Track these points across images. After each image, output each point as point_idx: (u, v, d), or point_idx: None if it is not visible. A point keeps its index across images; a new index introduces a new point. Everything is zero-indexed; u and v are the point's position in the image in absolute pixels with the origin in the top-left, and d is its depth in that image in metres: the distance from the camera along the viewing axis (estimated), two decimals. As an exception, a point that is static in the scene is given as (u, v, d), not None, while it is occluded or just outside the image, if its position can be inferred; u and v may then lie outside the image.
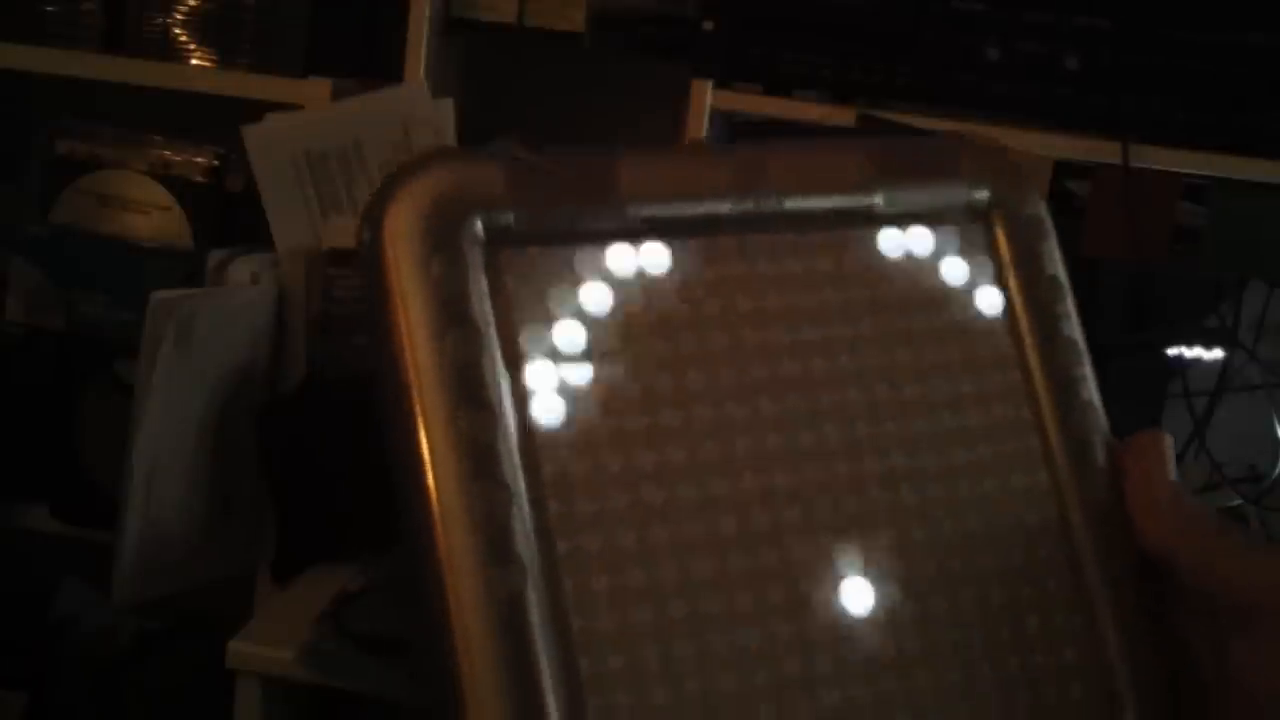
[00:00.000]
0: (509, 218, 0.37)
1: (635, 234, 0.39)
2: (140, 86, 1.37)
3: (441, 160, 0.37)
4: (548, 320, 0.37)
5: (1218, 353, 1.43)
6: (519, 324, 0.36)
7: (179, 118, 1.43)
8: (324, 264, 1.33)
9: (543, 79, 1.56)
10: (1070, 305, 0.44)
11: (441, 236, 0.36)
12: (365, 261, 0.36)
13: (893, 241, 0.43)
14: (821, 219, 0.41)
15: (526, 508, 0.35)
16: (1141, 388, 1.46)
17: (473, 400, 0.35)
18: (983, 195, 0.43)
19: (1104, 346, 0.43)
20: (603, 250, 0.38)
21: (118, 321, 1.36)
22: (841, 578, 0.38)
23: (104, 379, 1.42)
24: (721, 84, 1.28)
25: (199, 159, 1.41)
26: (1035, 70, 1.24)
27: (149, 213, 1.41)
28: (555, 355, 0.37)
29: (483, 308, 0.36)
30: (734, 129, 1.36)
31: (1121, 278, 1.38)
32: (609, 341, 0.38)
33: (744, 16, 1.29)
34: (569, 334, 0.38)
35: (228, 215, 1.42)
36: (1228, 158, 1.23)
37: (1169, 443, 0.42)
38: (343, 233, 1.32)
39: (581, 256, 0.38)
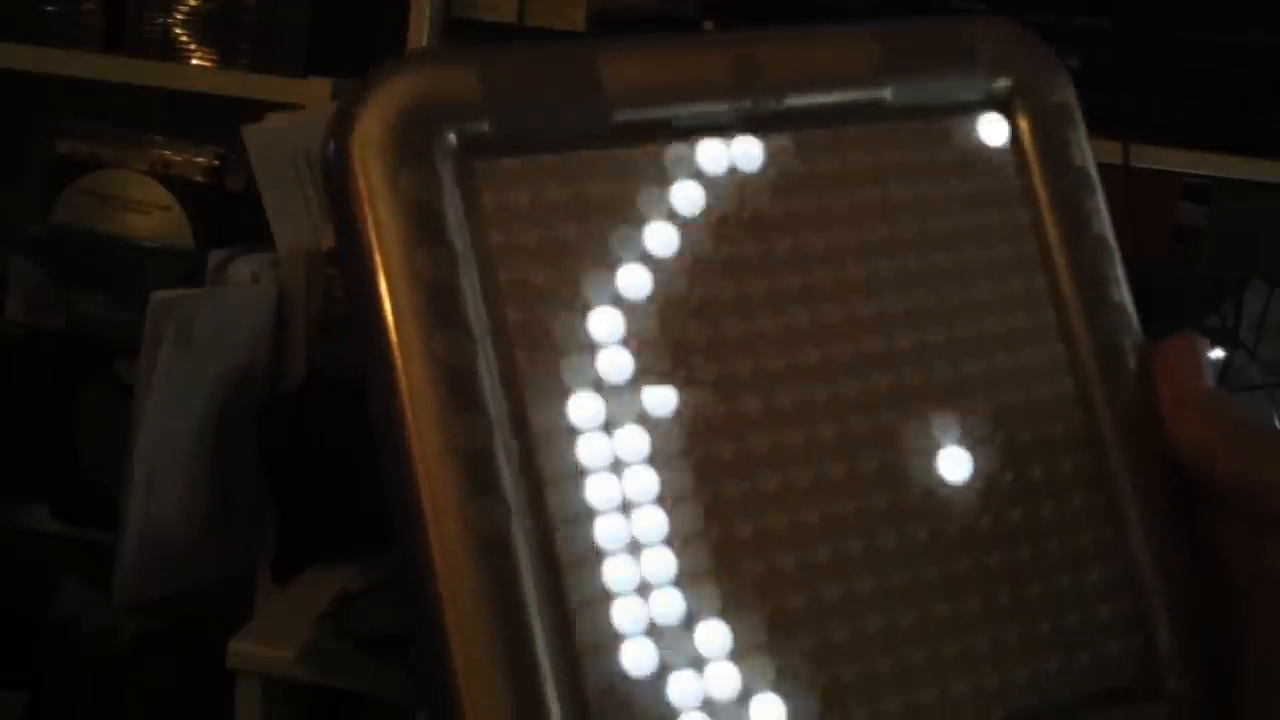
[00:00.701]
0: (483, 126, 0.34)
1: (621, 141, 0.35)
2: (140, 86, 1.37)
3: (411, 65, 0.35)
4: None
5: (1218, 353, 1.43)
6: (494, 240, 0.34)
7: (179, 118, 1.43)
8: (324, 264, 1.33)
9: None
10: (1100, 201, 0.40)
11: (411, 148, 0.33)
12: (330, 177, 0.33)
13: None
14: (825, 116, 0.38)
15: (509, 435, 0.33)
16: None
17: (448, 321, 0.32)
18: (1004, 84, 0.39)
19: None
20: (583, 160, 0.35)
21: (118, 321, 1.36)
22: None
23: (104, 379, 1.42)
24: (721, 84, 1.28)
25: (199, 159, 1.41)
26: (1035, 70, 1.24)
27: (149, 213, 1.41)
28: None
29: (458, 224, 0.33)
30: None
31: (1122, 278, 1.38)
32: None
33: (744, 16, 1.28)
34: None
35: (228, 215, 1.42)
36: (1228, 158, 1.23)
37: (1204, 343, 0.39)
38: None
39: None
